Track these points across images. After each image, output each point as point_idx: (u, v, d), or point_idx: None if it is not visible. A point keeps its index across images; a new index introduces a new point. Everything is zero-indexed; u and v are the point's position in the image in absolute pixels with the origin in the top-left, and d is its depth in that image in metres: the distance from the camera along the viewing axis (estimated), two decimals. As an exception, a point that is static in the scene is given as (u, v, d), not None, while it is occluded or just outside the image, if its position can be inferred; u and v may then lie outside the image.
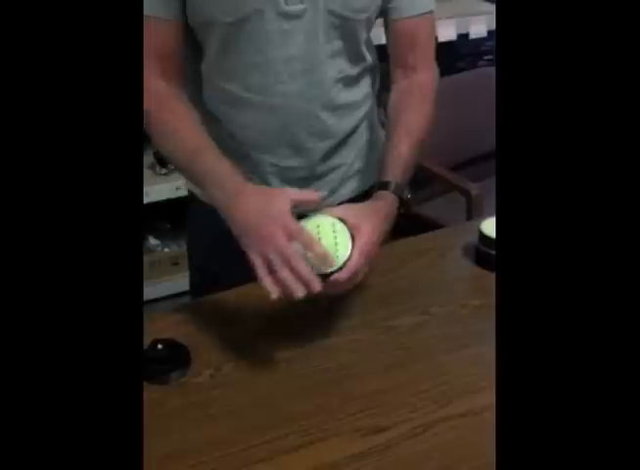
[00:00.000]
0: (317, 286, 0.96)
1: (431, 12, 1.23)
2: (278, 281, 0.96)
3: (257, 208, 1.00)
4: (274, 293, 0.96)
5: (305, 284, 0.96)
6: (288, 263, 0.96)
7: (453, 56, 2.73)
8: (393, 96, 1.25)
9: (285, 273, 0.96)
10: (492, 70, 2.67)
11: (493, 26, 2.63)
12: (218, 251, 1.33)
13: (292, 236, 0.97)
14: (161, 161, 2.42)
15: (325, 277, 0.99)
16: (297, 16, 1.11)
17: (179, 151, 1.13)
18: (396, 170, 1.15)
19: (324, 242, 1.00)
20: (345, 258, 0.99)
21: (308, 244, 0.97)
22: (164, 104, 1.13)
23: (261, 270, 0.98)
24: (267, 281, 0.97)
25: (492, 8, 2.62)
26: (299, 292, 0.96)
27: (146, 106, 1.04)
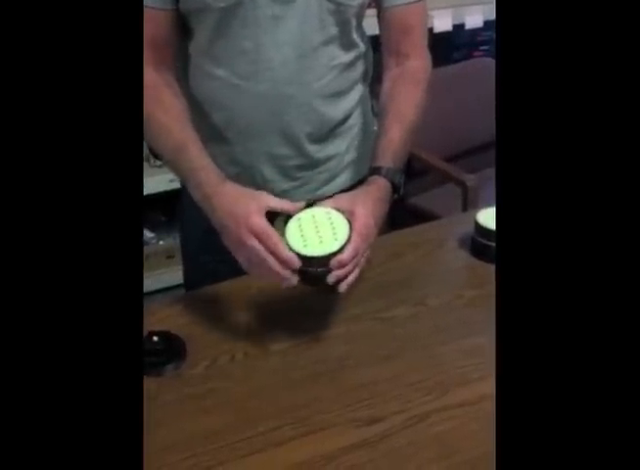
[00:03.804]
0: (296, 264, 0.99)
1: None
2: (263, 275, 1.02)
3: (226, 209, 1.03)
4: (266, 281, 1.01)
5: (284, 277, 1.00)
6: (263, 262, 1.00)
7: (449, 46, 2.73)
8: (386, 83, 1.25)
9: (264, 271, 1.01)
10: (488, 60, 2.67)
11: (489, 17, 2.62)
12: (210, 243, 1.33)
13: (257, 237, 0.99)
14: (155, 152, 2.41)
15: (326, 262, 0.99)
16: (288, 1, 1.11)
17: (165, 147, 1.14)
18: (388, 156, 1.15)
19: (322, 230, 1.01)
20: (345, 241, 1.00)
21: (273, 247, 0.99)
22: (152, 97, 1.12)
23: (246, 266, 1.03)
24: (254, 275, 1.03)
25: (488, -2, 2.62)
26: (284, 282, 1.01)
27: None
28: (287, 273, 1.00)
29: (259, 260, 1.00)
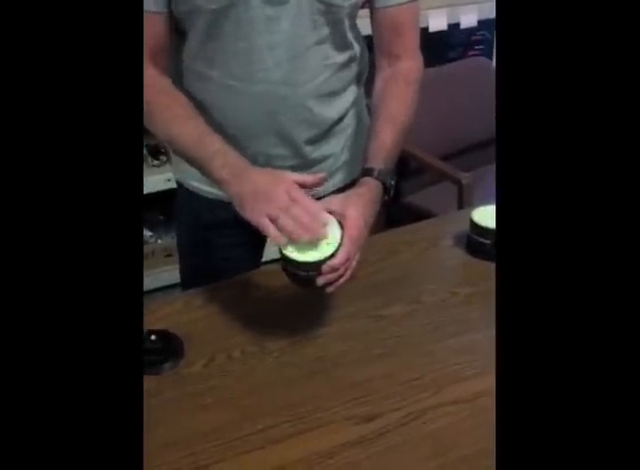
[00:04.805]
0: (319, 231, 1.00)
1: (415, 0, 1.23)
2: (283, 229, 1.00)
3: (266, 180, 1.04)
4: (282, 241, 0.99)
5: (308, 229, 0.99)
6: (290, 213, 1.00)
7: (444, 46, 2.73)
8: (378, 84, 1.26)
9: (287, 221, 0.99)
10: (483, 59, 2.68)
11: (484, 16, 2.63)
12: (206, 242, 1.34)
13: (293, 200, 1.00)
14: (154, 152, 2.41)
15: (319, 266, 1.00)
16: (281, 2, 1.11)
17: (184, 134, 1.13)
18: (379, 157, 1.16)
19: None
20: (337, 246, 1.00)
21: (308, 207, 1.00)
22: (164, 91, 1.14)
23: (268, 227, 1.00)
24: (273, 231, 1.00)
25: (483, -2, 2.63)
26: (304, 236, 0.99)
27: (144, 95, 1.02)
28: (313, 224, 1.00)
29: (287, 213, 1.00)
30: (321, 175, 1.07)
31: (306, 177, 1.05)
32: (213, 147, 1.10)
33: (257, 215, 1.01)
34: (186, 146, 1.14)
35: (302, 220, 0.99)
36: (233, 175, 1.06)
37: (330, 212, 1.04)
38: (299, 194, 1.01)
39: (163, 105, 1.13)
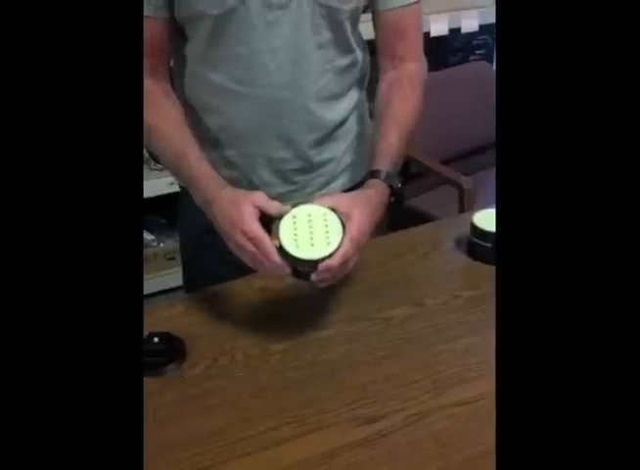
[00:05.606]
0: (275, 264, 1.01)
1: (417, 2, 1.24)
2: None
3: (224, 215, 1.05)
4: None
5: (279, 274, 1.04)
6: (261, 264, 1.03)
7: (445, 50, 2.74)
8: (382, 87, 1.26)
9: (246, 259, 1.04)
10: (484, 64, 2.69)
11: (485, 21, 2.64)
12: (209, 245, 1.34)
13: (251, 242, 1.01)
14: (155, 156, 2.42)
15: (315, 264, 1.00)
16: (281, 6, 1.12)
17: (166, 155, 1.16)
18: (387, 159, 1.16)
19: (315, 232, 1.01)
20: (337, 246, 1.01)
21: (265, 254, 1.01)
22: (152, 106, 1.14)
23: (250, 266, 1.05)
24: (260, 272, 1.05)
25: (484, 2, 2.63)
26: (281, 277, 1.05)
27: None
28: (281, 275, 1.04)
29: (258, 263, 1.02)
30: (285, 209, 1.05)
31: (268, 204, 1.04)
32: (189, 172, 1.12)
33: (237, 254, 1.05)
34: (168, 167, 1.19)
35: (258, 259, 1.02)
36: (205, 205, 1.10)
37: (335, 210, 1.04)
38: (253, 229, 1.01)
39: (147, 122, 1.11)
